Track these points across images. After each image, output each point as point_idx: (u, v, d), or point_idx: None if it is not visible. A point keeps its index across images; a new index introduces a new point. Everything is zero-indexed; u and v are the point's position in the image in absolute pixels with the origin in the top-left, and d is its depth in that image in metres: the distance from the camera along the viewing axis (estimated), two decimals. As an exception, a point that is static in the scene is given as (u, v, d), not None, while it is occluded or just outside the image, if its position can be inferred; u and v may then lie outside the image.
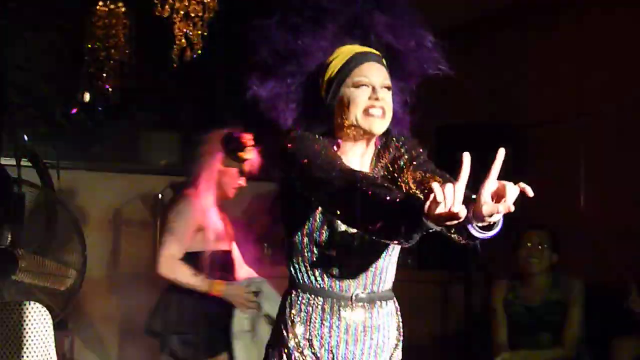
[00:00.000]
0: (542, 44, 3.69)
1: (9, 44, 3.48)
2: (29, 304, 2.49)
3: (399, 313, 1.61)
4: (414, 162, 1.54)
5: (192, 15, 3.16)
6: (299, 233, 1.52)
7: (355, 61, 1.51)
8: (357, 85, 1.49)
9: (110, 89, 3.50)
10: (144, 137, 4.25)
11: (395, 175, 1.55)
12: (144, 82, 3.81)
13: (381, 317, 1.58)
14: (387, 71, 1.52)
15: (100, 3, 3.41)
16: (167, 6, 3.14)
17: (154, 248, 3.85)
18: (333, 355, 1.55)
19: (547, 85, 3.70)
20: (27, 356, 2.51)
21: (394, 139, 1.58)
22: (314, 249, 1.51)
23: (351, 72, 1.50)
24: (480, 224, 1.15)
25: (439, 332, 3.98)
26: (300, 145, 1.44)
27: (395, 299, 1.61)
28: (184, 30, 3.14)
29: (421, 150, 1.58)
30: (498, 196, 1.10)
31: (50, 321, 2.49)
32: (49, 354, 2.56)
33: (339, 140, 1.53)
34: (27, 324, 2.48)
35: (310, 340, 1.55)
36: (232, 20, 2.75)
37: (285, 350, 1.55)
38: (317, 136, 1.49)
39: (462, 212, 1.08)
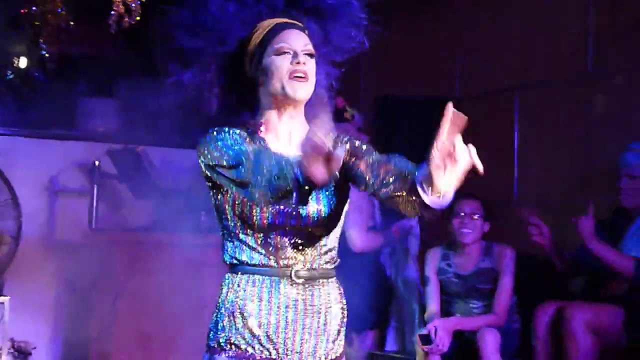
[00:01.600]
0: (479, 17, 3.78)
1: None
2: None
3: (342, 296, 1.60)
4: (360, 151, 1.54)
5: (130, -19, 3.20)
6: (229, 216, 1.51)
7: (275, 30, 1.51)
8: (278, 53, 1.48)
9: (47, 55, 3.47)
10: (82, 104, 4.21)
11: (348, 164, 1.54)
12: (82, 49, 3.78)
13: (323, 296, 1.57)
14: (310, 41, 1.51)
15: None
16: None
17: (91, 215, 3.89)
18: (267, 335, 1.53)
19: (484, 58, 3.77)
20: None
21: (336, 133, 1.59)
22: (247, 229, 1.50)
23: (272, 40, 1.50)
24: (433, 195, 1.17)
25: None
26: (211, 146, 1.44)
27: (338, 282, 1.59)
28: (122, -4, 3.16)
29: (361, 140, 1.60)
30: (450, 157, 1.11)
31: None
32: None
33: (262, 122, 1.53)
34: None
35: (249, 320, 1.52)
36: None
37: (224, 333, 1.54)
38: (231, 132, 1.48)
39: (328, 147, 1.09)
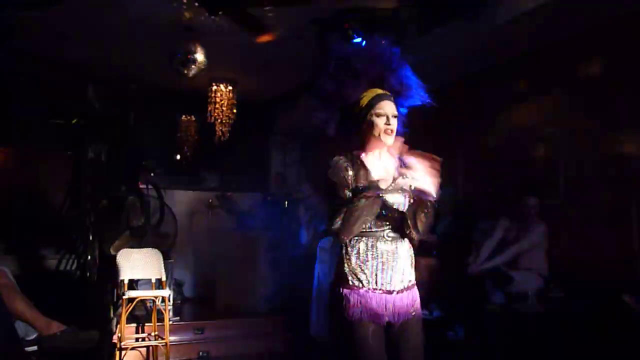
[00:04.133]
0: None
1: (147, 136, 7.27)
2: (154, 250, 5.89)
3: (412, 250, 2.21)
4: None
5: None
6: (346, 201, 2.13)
7: (376, 99, 2.15)
8: (378, 115, 2.14)
9: (188, 154, 7.34)
10: (202, 174, 7.90)
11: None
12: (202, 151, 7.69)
13: (402, 250, 2.18)
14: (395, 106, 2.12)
15: (184, 117, 7.38)
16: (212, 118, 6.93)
17: (208, 222, 7.40)
18: (375, 274, 2.14)
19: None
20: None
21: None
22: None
23: (374, 106, 2.14)
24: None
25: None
26: (332, 172, 2.11)
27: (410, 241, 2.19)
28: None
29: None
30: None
31: (162, 256, 5.53)
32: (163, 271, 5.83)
33: (363, 153, 2.17)
34: (156, 256, 5.74)
35: (359, 266, 2.15)
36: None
37: (345, 274, 2.17)
38: (344, 165, 2.12)
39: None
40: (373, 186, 2.12)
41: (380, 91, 2.22)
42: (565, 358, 3.55)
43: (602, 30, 4.45)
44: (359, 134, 2.23)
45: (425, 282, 4.60)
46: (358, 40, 4.41)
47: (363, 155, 2.19)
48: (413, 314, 2.19)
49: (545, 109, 4.95)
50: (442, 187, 2.17)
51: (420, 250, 2.37)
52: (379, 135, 2.17)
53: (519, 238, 4.48)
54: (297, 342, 5.79)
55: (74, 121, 6.53)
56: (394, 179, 2.17)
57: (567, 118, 4.73)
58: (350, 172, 2.14)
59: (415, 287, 2.25)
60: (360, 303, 2.08)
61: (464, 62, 5.52)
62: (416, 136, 2.41)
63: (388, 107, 2.19)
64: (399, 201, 2.17)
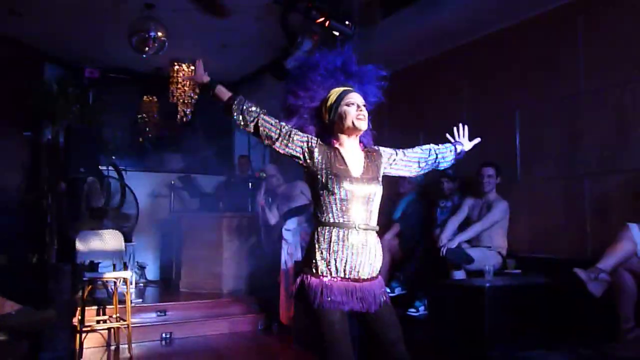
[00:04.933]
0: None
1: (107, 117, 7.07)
2: (115, 231, 5.62)
3: (379, 241, 2.30)
4: (398, 155, 2.41)
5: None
6: (317, 189, 2.23)
7: (344, 92, 2.30)
8: (348, 105, 2.27)
9: (150, 136, 7.25)
10: (166, 156, 7.75)
11: (391, 165, 2.42)
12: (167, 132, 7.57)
13: (371, 240, 2.25)
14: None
15: (145, 97, 7.27)
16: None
17: (170, 205, 7.42)
18: (344, 264, 2.20)
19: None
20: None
21: (375, 148, 2.42)
22: (328, 198, 2.21)
23: (344, 98, 2.28)
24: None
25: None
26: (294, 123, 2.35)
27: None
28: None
29: (395, 150, 2.43)
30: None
31: (123, 238, 5.41)
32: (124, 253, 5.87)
33: (337, 140, 2.32)
34: (116, 238, 5.73)
35: (330, 255, 2.19)
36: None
37: (314, 263, 2.21)
38: (312, 138, 2.30)
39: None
40: (346, 173, 2.25)
41: (344, 87, 2.35)
42: (521, 328, 3.67)
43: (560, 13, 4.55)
44: (332, 130, 2.33)
45: (386, 262, 4.74)
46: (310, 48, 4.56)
47: (337, 145, 2.31)
48: (383, 299, 2.28)
49: (502, 87, 5.04)
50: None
51: (380, 230, 2.43)
52: (352, 123, 2.26)
53: (482, 216, 4.55)
54: (262, 323, 5.83)
55: (30, 102, 6.35)
56: (365, 169, 2.29)
57: (526, 95, 4.83)
58: (316, 148, 2.26)
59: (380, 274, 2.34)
60: (327, 291, 2.14)
61: (426, 45, 5.58)
62: (380, 116, 2.50)
63: (357, 97, 2.31)
64: (371, 191, 2.25)
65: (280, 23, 5.07)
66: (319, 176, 2.22)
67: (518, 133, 4.87)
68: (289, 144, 2.28)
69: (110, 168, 6.69)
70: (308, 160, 2.27)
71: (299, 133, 2.30)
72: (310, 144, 2.29)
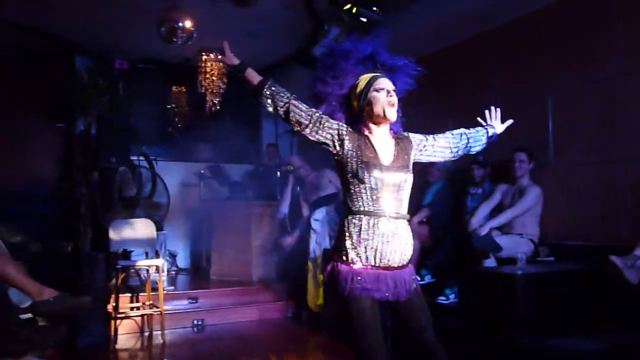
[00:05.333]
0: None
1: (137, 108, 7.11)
2: (146, 220, 5.74)
3: (410, 230, 2.26)
4: (428, 141, 2.38)
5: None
6: (347, 178, 2.21)
7: (374, 78, 2.25)
8: (378, 90, 2.22)
9: (179, 126, 7.32)
10: (196, 146, 7.76)
11: (421, 151, 2.39)
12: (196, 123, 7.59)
13: (402, 228, 2.23)
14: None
15: (174, 88, 7.33)
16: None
17: (200, 193, 7.50)
18: (375, 252, 2.18)
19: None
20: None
21: (405, 134, 2.38)
22: (358, 187, 2.19)
23: (373, 84, 2.23)
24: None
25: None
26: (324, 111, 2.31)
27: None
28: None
29: (425, 135, 2.40)
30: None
31: (154, 226, 5.56)
32: (156, 241, 5.89)
33: (367, 128, 2.28)
34: (148, 226, 5.77)
35: (360, 243, 2.17)
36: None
37: (344, 251, 2.20)
38: (342, 125, 2.27)
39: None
40: (376, 161, 2.22)
41: (373, 74, 2.31)
42: (553, 316, 3.61)
43: None
44: (361, 117, 2.30)
45: (416, 249, 4.69)
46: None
47: (367, 133, 2.27)
48: (414, 286, 2.28)
49: (534, 70, 4.93)
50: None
51: (410, 218, 2.39)
52: (383, 110, 2.22)
53: (515, 202, 4.47)
54: (292, 311, 5.87)
55: (62, 94, 6.47)
56: (395, 157, 2.26)
57: (558, 78, 4.72)
58: (347, 137, 2.23)
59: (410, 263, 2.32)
60: (357, 279, 2.13)
61: (456, 28, 5.49)
62: (408, 103, 2.42)
63: (386, 82, 2.26)
64: (402, 179, 2.23)
65: (306, 10, 5.04)
66: (348, 164, 2.21)
67: (550, 117, 4.75)
68: (319, 131, 2.25)
69: (140, 158, 6.74)
70: (338, 148, 2.24)
71: (330, 120, 2.26)
72: (340, 131, 2.27)
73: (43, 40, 6.30)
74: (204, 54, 6.78)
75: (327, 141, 2.26)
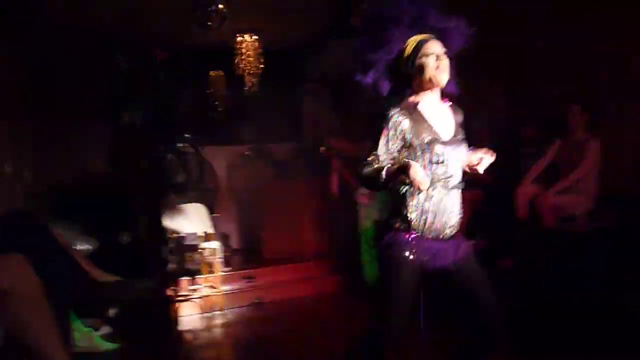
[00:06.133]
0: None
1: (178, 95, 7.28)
2: (198, 204, 6.15)
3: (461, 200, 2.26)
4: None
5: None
6: (406, 152, 2.20)
7: (422, 42, 2.15)
8: (427, 55, 2.13)
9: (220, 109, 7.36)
10: (234, 129, 7.88)
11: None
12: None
13: (457, 198, 2.26)
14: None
15: (212, 72, 7.34)
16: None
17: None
18: (432, 222, 2.21)
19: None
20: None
21: (460, 110, 2.33)
22: (416, 160, 2.16)
23: (421, 48, 2.14)
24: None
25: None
26: (384, 129, 2.14)
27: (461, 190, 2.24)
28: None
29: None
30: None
31: (206, 210, 5.88)
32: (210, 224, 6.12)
33: (417, 99, 2.20)
34: (201, 210, 6.02)
35: (415, 213, 2.20)
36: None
37: (400, 221, 2.23)
38: (400, 120, 2.13)
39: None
40: (436, 136, 2.18)
41: (421, 36, 2.21)
42: (618, 274, 3.51)
43: None
44: (410, 84, 2.24)
45: (471, 216, 4.59)
46: None
47: (420, 106, 2.19)
48: (468, 252, 2.27)
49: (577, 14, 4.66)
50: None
51: (467, 184, 2.36)
52: (432, 75, 2.16)
53: (571, 158, 4.29)
54: (348, 284, 5.89)
55: (107, 87, 6.61)
56: (455, 130, 2.23)
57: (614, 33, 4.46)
58: (406, 126, 2.15)
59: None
60: (412, 250, 2.14)
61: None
62: (457, 68, 2.31)
63: (436, 46, 2.18)
64: (461, 151, 2.23)
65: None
66: (408, 141, 2.20)
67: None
68: (399, 151, 2.22)
69: (186, 144, 6.87)
70: (407, 140, 2.22)
71: (389, 137, 2.19)
72: (397, 130, 2.20)
73: (86, 37, 6.43)
74: (238, 35, 6.76)
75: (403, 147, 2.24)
